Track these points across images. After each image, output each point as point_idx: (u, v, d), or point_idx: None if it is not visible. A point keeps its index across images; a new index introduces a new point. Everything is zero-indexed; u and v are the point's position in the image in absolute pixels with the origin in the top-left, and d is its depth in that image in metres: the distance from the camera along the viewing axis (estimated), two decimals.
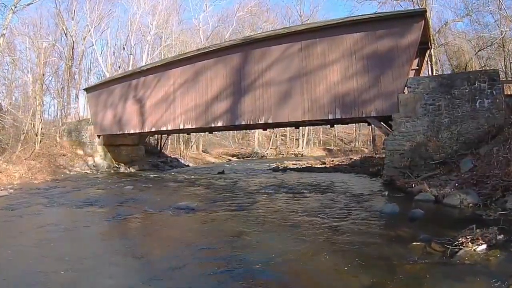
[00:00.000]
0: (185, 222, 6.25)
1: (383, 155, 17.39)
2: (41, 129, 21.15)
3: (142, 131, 16.02)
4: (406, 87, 9.83)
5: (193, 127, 13.63)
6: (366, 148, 40.21)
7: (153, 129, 15.39)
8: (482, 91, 9.06)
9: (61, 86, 26.19)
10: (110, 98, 18.16)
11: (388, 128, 10.24)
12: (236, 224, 5.79)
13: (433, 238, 4.35)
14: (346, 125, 52.46)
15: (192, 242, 4.81)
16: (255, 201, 7.98)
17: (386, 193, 8.01)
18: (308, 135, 43.08)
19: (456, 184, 7.74)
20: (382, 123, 10.41)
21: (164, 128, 14.84)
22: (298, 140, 43.19)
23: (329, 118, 10.42)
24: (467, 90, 9.18)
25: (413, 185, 8.02)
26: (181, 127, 13.99)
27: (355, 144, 45.16)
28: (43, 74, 20.13)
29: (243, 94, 12.08)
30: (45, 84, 24.86)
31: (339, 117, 10.33)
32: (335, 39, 10.57)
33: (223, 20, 33.74)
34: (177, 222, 6.31)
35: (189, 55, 14.31)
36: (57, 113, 27.17)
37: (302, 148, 40.80)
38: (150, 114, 15.46)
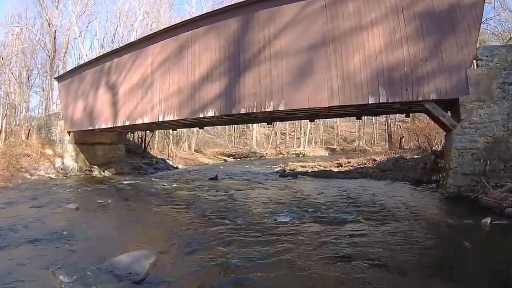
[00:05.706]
0: None
1: (416, 156, 14.47)
2: (5, 125, 18.80)
3: (114, 125, 12.66)
4: (475, 60, 6.85)
5: (176, 118, 10.14)
6: (370, 147, 38.05)
7: (127, 123, 11.97)
8: None
9: (44, 80, 23.61)
10: (81, 86, 14.87)
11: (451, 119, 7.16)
12: None
13: None
14: (348, 123, 49.93)
15: None
16: (265, 247, 4.25)
17: (488, 221, 4.74)
18: (309, 133, 40.51)
19: None
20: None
21: (140, 121, 11.40)
22: (299, 138, 40.65)
23: (370, 102, 7.08)
24: None
25: None
26: (161, 119, 10.54)
27: (358, 143, 43.15)
28: (2, 58, 16.84)
29: (242, 72, 8.73)
30: (14, 74, 21.88)
31: (385, 101, 6.98)
32: None
33: (217, 6, 30.48)
34: None
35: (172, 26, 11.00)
36: (39, 109, 24.70)
37: (304, 147, 38.26)
38: (123, 104, 12.11)
